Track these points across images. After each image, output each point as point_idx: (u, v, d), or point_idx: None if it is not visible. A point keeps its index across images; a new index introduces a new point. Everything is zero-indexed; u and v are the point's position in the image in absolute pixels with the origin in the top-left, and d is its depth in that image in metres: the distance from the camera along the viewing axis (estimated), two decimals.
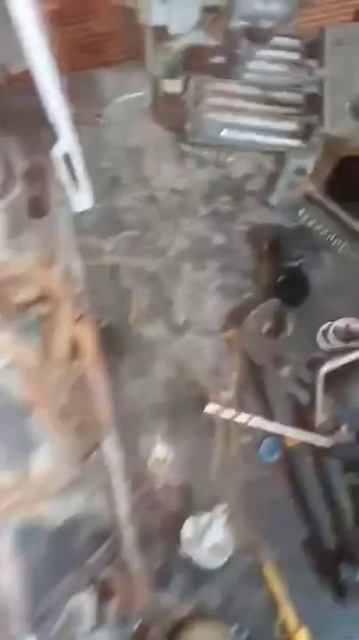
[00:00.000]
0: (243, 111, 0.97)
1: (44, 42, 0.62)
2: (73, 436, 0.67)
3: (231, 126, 0.98)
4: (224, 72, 0.94)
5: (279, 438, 0.86)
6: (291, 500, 0.85)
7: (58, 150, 0.81)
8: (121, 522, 0.79)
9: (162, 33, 0.75)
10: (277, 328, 0.91)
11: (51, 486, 0.50)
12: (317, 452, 0.84)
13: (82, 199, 0.98)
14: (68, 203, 0.98)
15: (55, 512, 0.53)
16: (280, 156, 1.00)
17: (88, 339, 0.83)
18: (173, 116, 1.06)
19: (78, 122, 1.04)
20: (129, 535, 0.79)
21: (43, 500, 0.49)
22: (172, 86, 0.81)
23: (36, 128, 0.87)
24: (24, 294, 0.64)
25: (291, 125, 0.97)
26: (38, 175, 1.00)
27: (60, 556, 0.55)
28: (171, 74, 0.77)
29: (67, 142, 0.80)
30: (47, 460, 0.51)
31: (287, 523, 0.84)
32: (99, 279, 0.91)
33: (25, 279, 0.62)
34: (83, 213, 1.00)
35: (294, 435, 0.83)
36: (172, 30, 0.72)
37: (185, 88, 0.89)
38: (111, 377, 0.89)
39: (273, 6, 0.75)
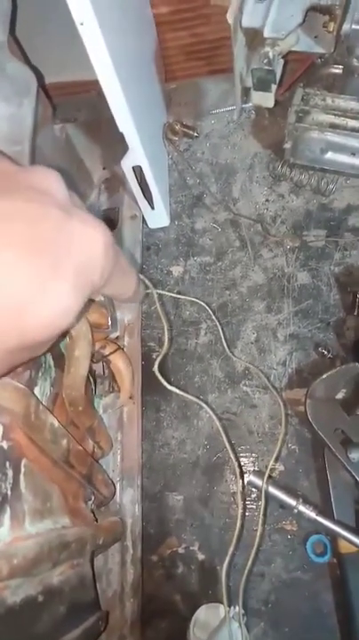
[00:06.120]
0: (355, 132, 0.81)
1: (108, 51, 0.54)
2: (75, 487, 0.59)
3: (339, 149, 0.83)
4: (337, 85, 0.79)
5: (331, 539, 0.69)
6: (335, 617, 0.68)
7: (127, 162, 0.74)
8: (125, 591, 0.70)
9: (255, 36, 0.63)
10: (354, 400, 0.73)
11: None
12: None
13: (157, 216, 0.90)
14: (140, 219, 0.91)
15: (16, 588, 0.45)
16: None
17: (126, 372, 0.75)
18: (273, 132, 0.93)
19: (171, 132, 0.98)
20: (131, 609, 0.69)
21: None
22: (263, 100, 0.69)
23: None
24: None
25: None
26: (118, 186, 0.95)
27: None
28: (264, 85, 0.65)
29: (136, 155, 0.72)
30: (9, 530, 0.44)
31: None
32: (159, 305, 0.81)
33: None
34: (157, 231, 0.93)
35: (354, 542, 0.66)
36: (267, 33, 0.60)
37: (282, 101, 0.76)
38: (150, 418, 0.81)
39: None
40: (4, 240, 0.26)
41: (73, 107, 1.04)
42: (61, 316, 0.28)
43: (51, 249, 0.28)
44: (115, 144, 0.79)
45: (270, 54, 0.62)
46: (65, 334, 0.56)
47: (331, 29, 0.64)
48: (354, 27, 0.65)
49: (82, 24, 0.51)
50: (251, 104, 0.90)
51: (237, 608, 0.65)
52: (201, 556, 0.73)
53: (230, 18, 0.63)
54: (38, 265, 0.27)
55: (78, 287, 0.29)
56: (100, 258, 0.30)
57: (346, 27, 0.63)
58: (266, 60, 0.63)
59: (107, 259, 0.30)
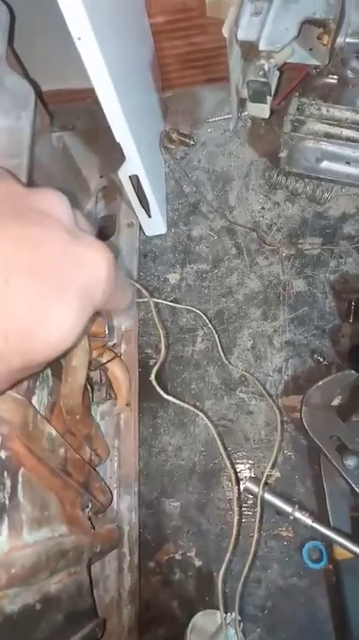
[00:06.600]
0: (350, 142, 0.82)
1: (105, 63, 0.55)
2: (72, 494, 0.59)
3: (334, 157, 0.84)
4: (332, 96, 0.80)
5: (326, 545, 0.69)
6: (331, 623, 0.69)
7: (124, 172, 0.74)
8: (122, 598, 0.70)
9: (251, 49, 0.64)
10: (350, 407, 0.74)
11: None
12: None
13: (154, 224, 0.91)
14: (137, 226, 0.92)
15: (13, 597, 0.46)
16: None
17: (123, 380, 0.75)
18: (269, 141, 0.94)
19: (168, 141, 0.99)
20: (128, 615, 0.69)
21: None
22: (258, 111, 0.70)
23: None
24: None
25: None
26: (115, 194, 0.96)
27: None
28: (259, 97, 0.66)
29: (133, 164, 0.73)
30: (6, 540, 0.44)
31: None
32: (156, 312, 0.81)
33: None
34: (153, 239, 0.93)
35: (350, 548, 0.66)
36: (262, 46, 0.61)
37: (278, 110, 0.77)
38: (147, 425, 0.81)
39: None
40: (11, 264, 0.26)
41: (71, 114, 1.04)
42: (65, 338, 0.29)
43: (55, 272, 0.28)
44: (112, 152, 0.80)
45: (265, 66, 0.63)
46: (67, 352, 0.57)
47: (326, 42, 0.65)
48: (347, 39, 0.66)
49: (79, 39, 0.52)
50: (247, 113, 0.91)
51: (234, 614, 0.65)
52: (198, 563, 0.74)
53: (226, 31, 0.64)
54: (43, 289, 0.27)
55: (81, 309, 0.29)
56: (103, 280, 0.31)
57: (340, 39, 0.64)
58: (261, 73, 0.64)
59: (109, 281, 0.31)
